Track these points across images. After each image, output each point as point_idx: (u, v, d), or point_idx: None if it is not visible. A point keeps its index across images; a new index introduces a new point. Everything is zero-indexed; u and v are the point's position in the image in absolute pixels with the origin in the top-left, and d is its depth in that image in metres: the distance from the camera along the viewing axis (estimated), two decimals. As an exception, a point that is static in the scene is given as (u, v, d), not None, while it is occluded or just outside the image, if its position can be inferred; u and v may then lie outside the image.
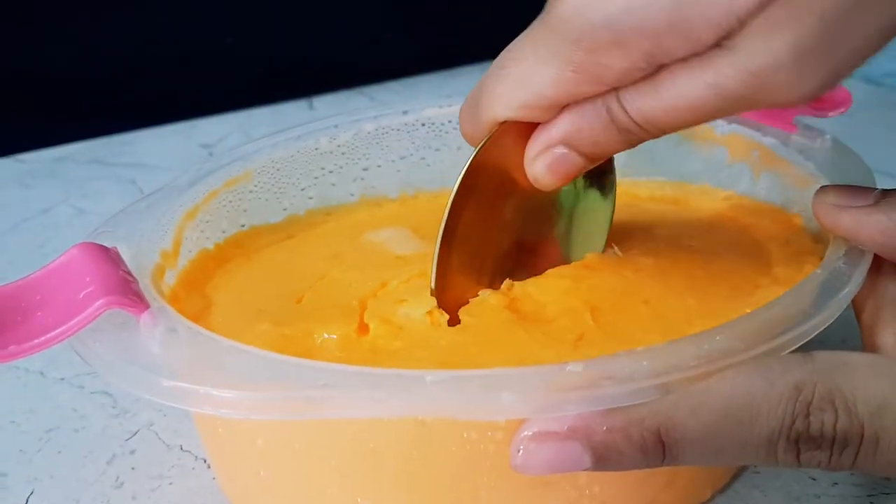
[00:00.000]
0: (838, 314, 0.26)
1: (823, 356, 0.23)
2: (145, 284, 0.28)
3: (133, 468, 0.34)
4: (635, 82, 0.24)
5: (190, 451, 0.34)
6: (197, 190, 0.36)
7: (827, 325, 0.25)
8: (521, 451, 0.22)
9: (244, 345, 0.24)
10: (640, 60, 0.23)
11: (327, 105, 0.75)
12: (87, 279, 0.26)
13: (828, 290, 0.26)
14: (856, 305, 0.29)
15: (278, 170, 0.39)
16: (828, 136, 0.38)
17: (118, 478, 0.33)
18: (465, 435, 0.24)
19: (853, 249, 0.28)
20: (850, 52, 0.22)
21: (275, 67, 0.75)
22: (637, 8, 0.22)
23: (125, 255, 0.29)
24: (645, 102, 0.24)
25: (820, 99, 0.43)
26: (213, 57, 0.73)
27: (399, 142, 0.43)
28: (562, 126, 0.26)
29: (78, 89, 0.69)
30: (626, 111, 0.25)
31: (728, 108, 0.23)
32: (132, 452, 0.35)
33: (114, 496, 0.32)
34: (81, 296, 0.25)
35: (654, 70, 0.24)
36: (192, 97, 0.71)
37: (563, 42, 0.24)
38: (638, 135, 0.25)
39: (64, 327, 0.24)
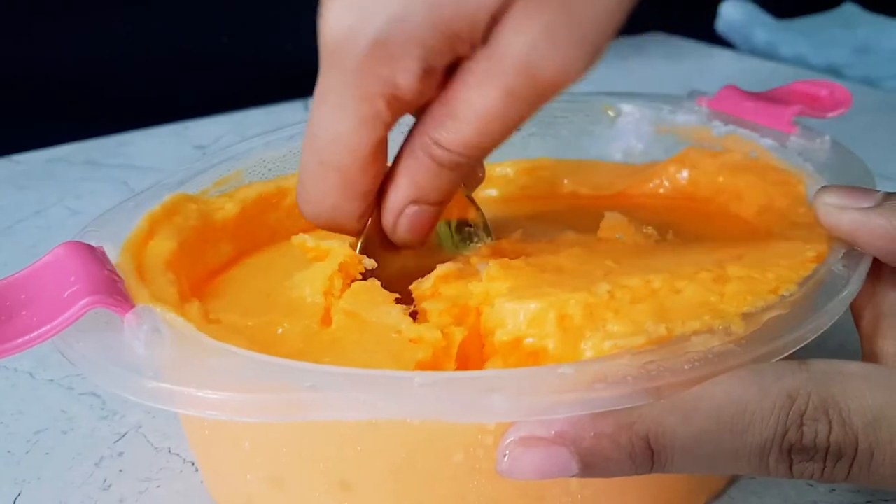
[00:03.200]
0: (836, 318, 0.25)
1: (819, 365, 0.22)
2: (131, 284, 0.27)
3: (121, 470, 0.33)
4: (433, 114, 0.25)
5: (178, 454, 0.34)
6: (186, 189, 0.35)
7: (825, 328, 0.24)
8: (506, 457, 0.22)
9: (230, 345, 0.23)
10: (418, 69, 0.24)
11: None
12: (73, 278, 0.26)
13: (825, 293, 0.26)
14: (854, 312, 0.28)
15: (269, 169, 0.38)
16: (827, 137, 0.38)
17: (106, 480, 0.33)
18: (455, 439, 0.24)
19: (852, 252, 0.28)
20: (597, 24, 0.24)
21: (270, 68, 0.75)
22: (396, 19, 0.23)
23: (111, 255, 0.29)
24: (453, 129, 0.25)
25: (819, 99, 0.42)
26: (208, 58, 0.72)
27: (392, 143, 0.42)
28: (400, 188, 0.27)
29: (72, 90, 0.69)
30: (442, 146, 0.25)
31: (523, 106, 0.24)
32: (120, 455, 0.34)
33: (101, 498, 0.32)
34: (66, 295, 0.25)
35: (441, 79, 0.25)
36: (186, 98, 0.71)
37: (343, 77, 0.25)
38: (465, 163, 0.26)
39: (48, 326, 0.24)
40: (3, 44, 0.66)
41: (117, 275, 0.27)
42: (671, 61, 0.90)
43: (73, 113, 0.69)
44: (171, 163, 0.62)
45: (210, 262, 0.34)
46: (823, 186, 0.29)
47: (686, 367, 0.22)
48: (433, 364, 0.26)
